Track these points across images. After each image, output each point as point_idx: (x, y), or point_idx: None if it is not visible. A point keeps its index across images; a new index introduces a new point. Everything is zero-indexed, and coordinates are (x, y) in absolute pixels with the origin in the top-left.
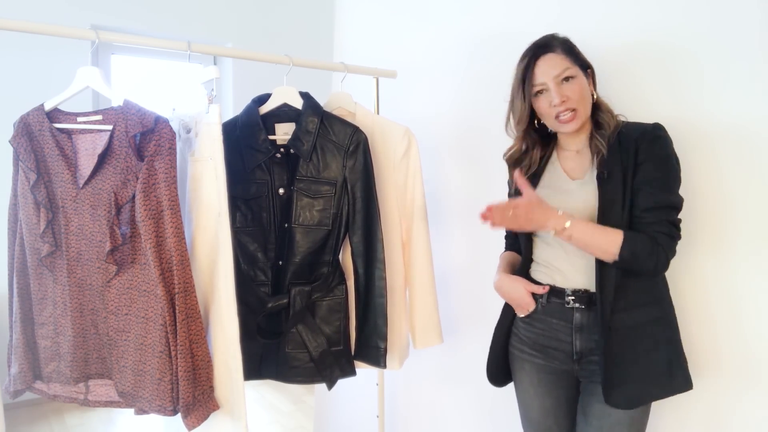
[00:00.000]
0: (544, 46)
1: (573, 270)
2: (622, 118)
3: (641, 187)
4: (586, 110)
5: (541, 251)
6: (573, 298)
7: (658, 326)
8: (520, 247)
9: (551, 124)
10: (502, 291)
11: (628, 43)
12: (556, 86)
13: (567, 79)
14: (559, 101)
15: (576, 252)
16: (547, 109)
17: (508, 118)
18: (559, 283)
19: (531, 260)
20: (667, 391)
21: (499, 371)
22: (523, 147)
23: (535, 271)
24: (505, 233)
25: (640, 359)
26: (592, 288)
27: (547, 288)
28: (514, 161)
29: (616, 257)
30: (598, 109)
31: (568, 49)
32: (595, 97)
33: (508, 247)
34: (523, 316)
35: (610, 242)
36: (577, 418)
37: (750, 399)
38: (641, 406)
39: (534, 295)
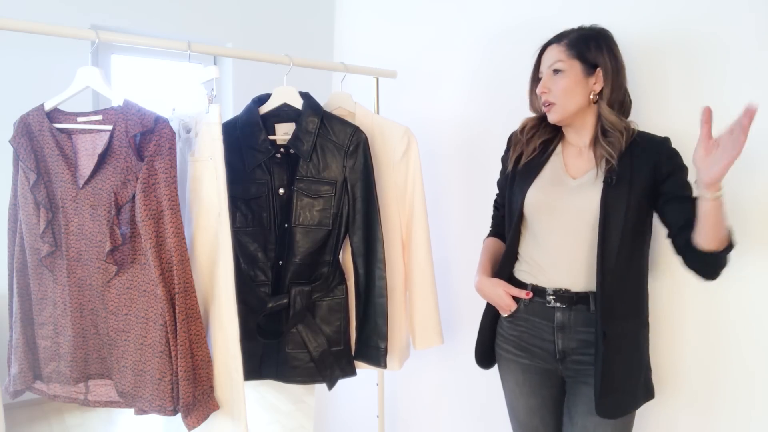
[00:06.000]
0: (556, 37)
1: (554, 269)
2: (635, 126)
3: (670, 198)
4: (566, 105)
5: (527, 247)
6: (554, 297)
7: (644, 336)
8: (505, 235)
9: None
10: (482, 293)
11: (632, 41)
12: (546, 77)
13: (555, 71)
14: (539, 90)
15: (558, 250)
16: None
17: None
18: (542, 283)
19: (516, 257)
20: (642, 400)
21: (486, 355)
22: (539, 122)
23: (519, 271)
24: (493, 212)
25: (629, 369)
26: (573, 288)
27: (530, 294)
28: (529, 129)
29: (727, 243)
30: (603, 113)
31: (575, 43)
32: (593, 98)
33: (494, 230)
34: (506, 315)
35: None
36: (563, 417)
37: (735, 398)
38: None
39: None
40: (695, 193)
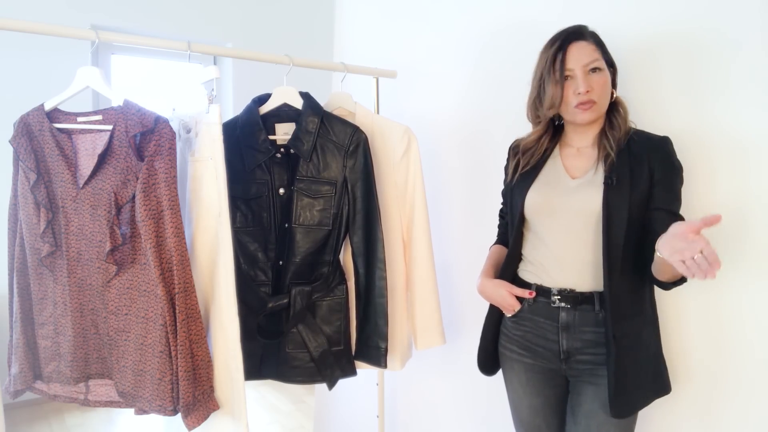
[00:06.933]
0: (576, 33)
1: (557, 270)
2: (632, 124)
3: (659, 207)
4: (604, 105)
5: (530, 249)
6: (559, 297)
7: (650, 332)
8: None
9: (569, 113)
10: (485, 295)
11: (633, 40)
12: (584, 75)
13: (594, 69)
14: (584, 89)
15: (562, 251)
16: (569, 96)
17: (533, 103)
18: (546, 283)
19: (519, 258)
20: (653, 396)
21: (488, 361)
22: (543, 133)
23: (523, 271)
24: (498, 221)
25: (639, 369)
26: (578, 288)
27: (533, 293)
28: (524, 149)
29: (679, 278)
30: (616, 108)
31: (598, 41)
32: (614, 95)
33: (499, 238)
34: (509, 316)
35: None
36: (566, 416)
37: (739, 397)
38: None
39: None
40: (656, 245)
